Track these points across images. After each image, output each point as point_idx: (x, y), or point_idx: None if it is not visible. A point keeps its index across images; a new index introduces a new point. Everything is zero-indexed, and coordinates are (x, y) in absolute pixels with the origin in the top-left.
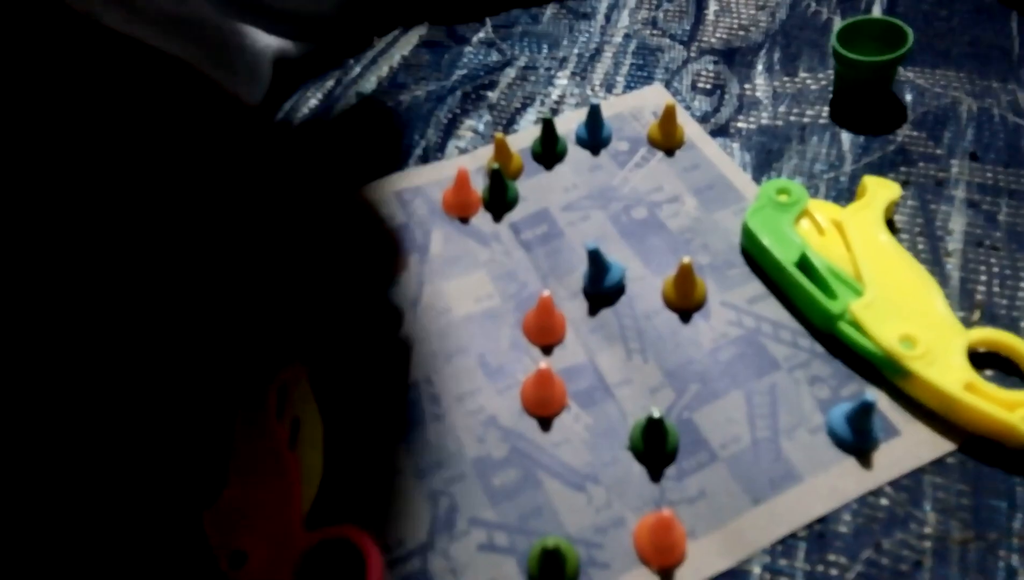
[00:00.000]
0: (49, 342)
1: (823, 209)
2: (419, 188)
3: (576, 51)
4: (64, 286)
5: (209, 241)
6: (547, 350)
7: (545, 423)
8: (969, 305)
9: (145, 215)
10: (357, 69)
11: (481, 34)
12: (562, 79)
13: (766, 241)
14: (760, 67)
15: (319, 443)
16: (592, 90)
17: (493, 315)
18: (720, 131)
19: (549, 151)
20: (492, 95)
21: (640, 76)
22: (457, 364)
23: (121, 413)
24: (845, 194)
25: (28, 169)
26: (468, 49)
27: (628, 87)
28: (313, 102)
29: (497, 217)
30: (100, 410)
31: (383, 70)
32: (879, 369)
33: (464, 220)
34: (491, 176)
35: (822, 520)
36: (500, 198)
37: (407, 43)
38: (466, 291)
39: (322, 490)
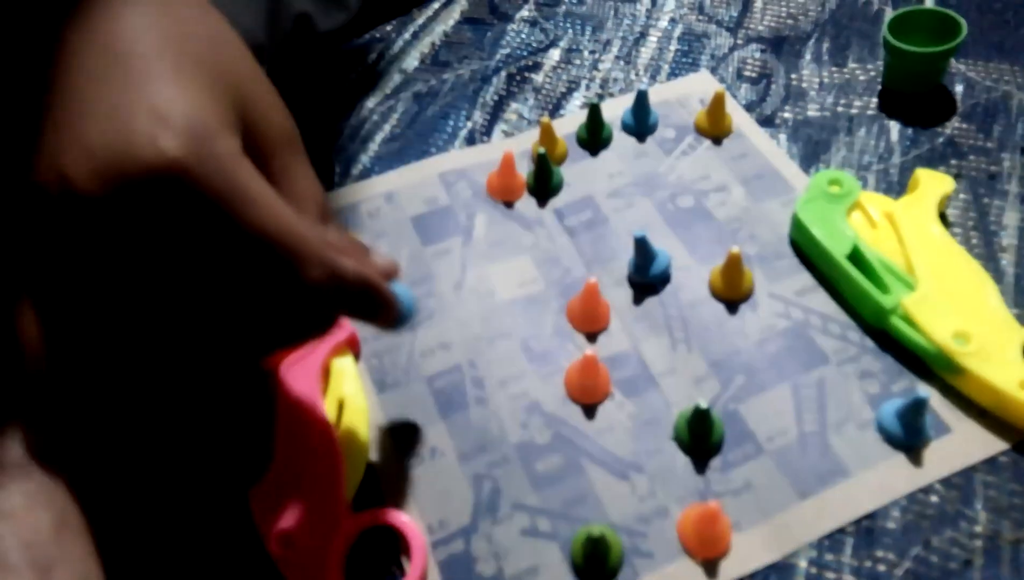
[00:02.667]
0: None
1: (875, 201)
2: (463, 170)
3: (620, 34)
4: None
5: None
6: (591, 337)
7: (589, 410)
8: None
9: None
10: (399, 44)
11: (524, 12)
12: (606, 63)
13: (817, 233)
14: (808, 56)
15: (365, 425)
16: (636, 75)
17: (537, 300)
18: (766, 121)
19: (595, 137)
20: (537, 78)
21: (685, 62)
22: (500, 348)
23: (168, 392)
24: (895, 187)
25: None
26: (511, 27)
27: (673, 73)
28: (354, 77)
29: (542, 202)
30: (147, 389)
31: (425, 47)
32: (931, 365)
33: (508, 204)
34: (537, 161)
35: (870, 516)
36: (545, 183)
37: (448, 17)
38: (510, 275)
39: (367, 472)
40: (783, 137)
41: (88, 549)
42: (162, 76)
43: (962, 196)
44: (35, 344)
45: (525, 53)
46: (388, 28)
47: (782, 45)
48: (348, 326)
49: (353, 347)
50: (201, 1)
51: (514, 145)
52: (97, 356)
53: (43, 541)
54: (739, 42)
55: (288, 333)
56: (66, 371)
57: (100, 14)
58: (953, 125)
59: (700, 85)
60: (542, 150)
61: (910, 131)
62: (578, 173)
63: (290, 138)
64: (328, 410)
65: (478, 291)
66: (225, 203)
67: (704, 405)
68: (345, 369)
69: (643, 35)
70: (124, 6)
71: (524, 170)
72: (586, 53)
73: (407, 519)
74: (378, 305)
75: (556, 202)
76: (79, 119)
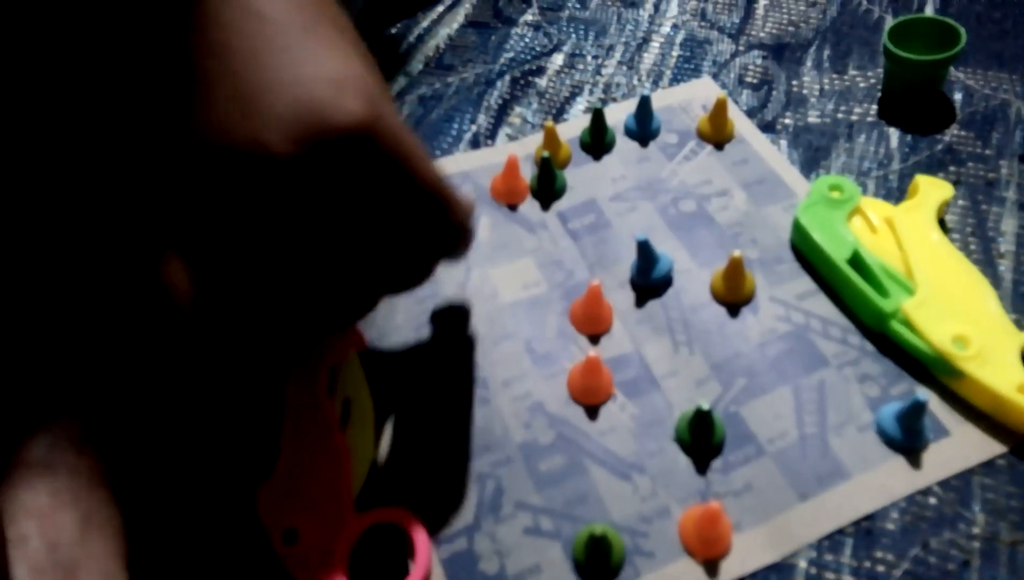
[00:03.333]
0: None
1: (875, 207)
2: (468, 173)
3: (623, 40)
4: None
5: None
6: (594, 339)
7: (591, 411)
8: (1022, 307)
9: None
10: (403, 47)
11: (528, 16)
12: (609, 68)
13: (818, 237)
14: (809, 63)
15: (370, 424)
16: (639, 80)
17: (540, 302)
18: (767, 127)
19: (598, 141)
20: (541, 82)
21: (687, 68)
22: (504, 349)
23: (175, 390)
24: (894, 193)
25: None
26: (515, 31)
27: (675, 79)
28: None
29: (545, 206)
30: (154, 388)
31: (429, 50)
32: (930, 369)
33: (512, 207)
34: (540, 165)
35: (870, 517)
36: (549, 187)
37: (453, 21)
38: (513, 277)
39: (371, 470)
40: (784, 143)
41: (112, 549)
42: (325, 45)
43: (961, 202)
44: (184, 293)
45: (529, 57)
46: (392, 31)
47: (783, 52)
48: (355, 326)
49: (358, 346)
50: None
51: (518, 149)
52: (248, 305)
53: (68, 541)
54: (741, 48)
55: (424, 264)
56: (213, 318)
57: None
58: (952, 132)
59: (702, 91)
60: (546, 154)
61: (909, 138)
62: (581, 177)
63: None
64: (333, 409)
65: (482, 293)
66: (400, 158)
67: (706, 407)
68: (350, 368)
69: (646, 41)
70: None
71: (528, 173)
72: (589, 58)
73: (411, 517)
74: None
75: (559, 205)
76: (263, 90)
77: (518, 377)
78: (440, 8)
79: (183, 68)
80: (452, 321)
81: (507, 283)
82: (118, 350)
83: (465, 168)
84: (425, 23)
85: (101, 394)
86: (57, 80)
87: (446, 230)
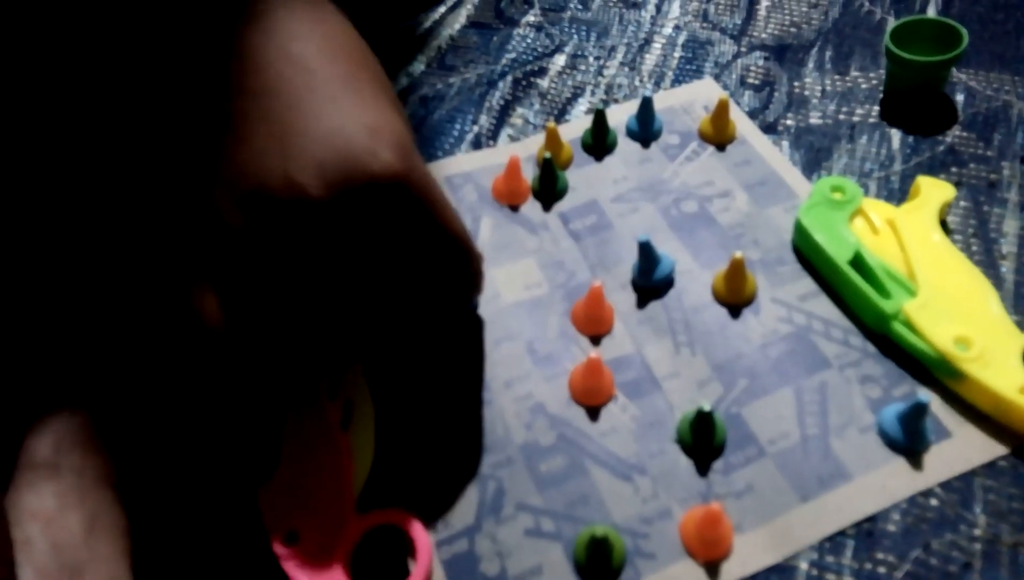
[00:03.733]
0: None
1: (877, 208)
2: (469, 174)
3: (625, 41)
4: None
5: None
6: (595, 340)
7: (592, 412)
8: None
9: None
10: (405, 48)
11: (530, 17)
12: (611, 69)
13: (820, 238)
14: (811, 64)
15: (371, 425)
16: (641, 81)
17: (541, 303)
18: (769, 128)
19: (600, 142)
20: (543, 83)
21: (689, 69)
22: (505, 350)
23: (176, 391)
24: (896, 194)
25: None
26: (517, 32)
27: (677, 80)
28: None
29: (547, 206)
30: (156, 390)
31: (431, 51)
32: (931, 370)
33: (514, 208)
34: (542, 166)
35: (871, 519)
36: (550, 188)
37: (455, 22)
38: (515, 278)
39: (372, 471)
40: (786, 144)
41: (118, 550)
42: (363, 97)
43: (962, 204)
44: (215, 320)
45: (531, 58)
46: (394, 32)
47: (785, 53)
48: None
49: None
50: (330, 6)
51: (520, 149)
52: (273, 336)
53: (73, 543)
54: (743, 50)
55: (434, 316)
56: (243, 347)
57: (268, 32)
58: (954, 134)
59: (704, 92)
60: (547, 155)
61: (911, 139)
62: (583, 178)
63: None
64: (335, 411)
65: (484, 294)
66: (429, 206)
67: (707, 408)
68: (352, 372)
69: (647, 42)
70: (287, 23)
71: (530, 174)
72: (591, 59)
73: (412, 519)
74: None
75: (561, 206)
76: (301, 134)
77: (519, 378)
78: (442, 9)
79: (223, 107)
80: (454, 322)
81: (509, 284)
82: (129, 355)
83: (467, 169)
84: (427, 23)
85: (108, 394)
86: (103, 109)
87: (465, 277)
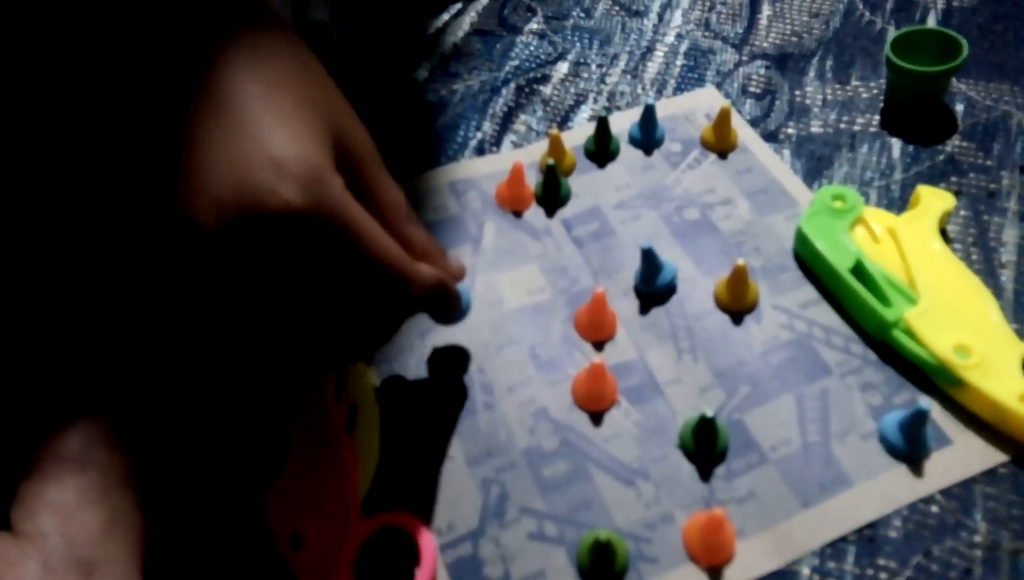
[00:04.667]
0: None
1: (878, 217)
2: (473, 180)
3: (628, 49)
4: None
5: None
6: (597, 346)
7: (595, 418)
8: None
9: None
10: (409, 54)
11: (533, 24)
12: (614, 76)
13: (821, 246)
14: (812, 74)
15: (376, 429)
16: (643, 89)
17: (544, 309)
18: (770, 136)
19: (602, 149)
20: (546, 90)
21: (691, 77)
22: (508, 355)
23: (185, 395)
24: (896, 203)
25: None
26: (520, 39)
27: (679, 88)
28: (364, 87)
29: (550, 213)
30: (163, 391)
31: (435, 58)
32: (932, 378)
33: (517, 213)
34: (546, 172)
35: (872, 525)
36: (553, 194)
37: (459, 29)
38: (518, 284)
39: (377, 475)
40: (787, 152)
41: (132, 552)
42: (271, 123)
43: (962, 213)
44: None
45: (534, 65)
46: (398, 39)
47: (786, 62)
48: None
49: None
50: (284, 27)
51: (523, 156)
52: (227, 349)
53: (89, 541)
54: (744, 58)
55: (383, 333)
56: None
57: (208, 64)
58: (954, 143)
59: (706, 100)
60: (551, 162)
61: (911, 148)
62: (586, 184)
63: (372, 151)
64: (339, 413)
65: (487, 299)
66: (340, 238)
67: (709, 414)
68: (357, 374)
69: (650, 50)
70: (227, 55)
71: (532, 181)
72: (594, 67)
73: (417, 523)
74: (448, 304)
75: (564, 212)
76: (201, 167)
77: (522, 383)
78: (446, 16)
79: (178, 124)
80: (457, 327)
81: (512, 289)
82: (150, 354)
83: (470, 175)
84: (431, 30)
85: (132, 397)
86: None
87: (403, 298)
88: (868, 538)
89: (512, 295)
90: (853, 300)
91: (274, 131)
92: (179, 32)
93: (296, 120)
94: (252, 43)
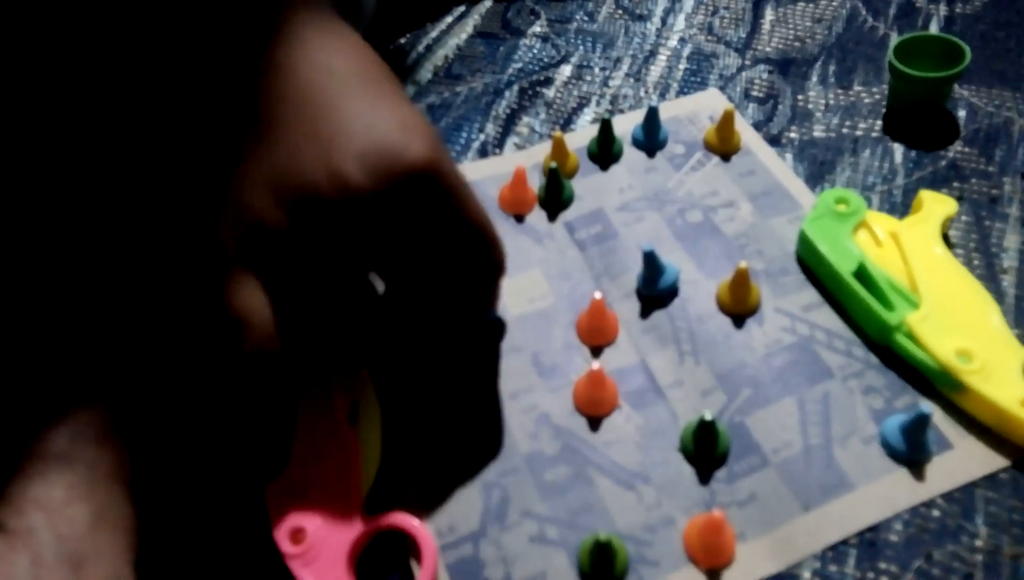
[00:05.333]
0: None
1: (880, 221)
2: (476, 183)
3: (631, 52)
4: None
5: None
6: (599, 350)
7: (596, 422)
8: None
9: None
10: (412, 56)
11: (536, 27)
12: (617, 80)
13: (824, 249)
14: (815, 78)
15: (377, 428)
16: (646, 92)
17: (547, 315)
18: (773, 140)
19: (605, 151)
20: (549, 92)
21: (694, 81)
22: (510, 362)
23: (187, 386)
24: (898, 207)
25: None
26: (523, 42)
27: (682, 91)
28: None
29: (552, 216)
30: (166, 385)
31: (438, 60)
32: (933, 382)
33: (519, 218)
34: (548, 175)
35: (873, 529)
36: (556, 197)
37: (462, 31)
38: (521, 290)
39: (379, 475)
40: (789, 156)
41: (122, 546)
42: (388, 96)
43: (964, 218)
44: (265, 322)
45: (537, 68)
46: (402, 41)
47: (789, 67)
48: None
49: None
50: (339, 21)
51: (526, 158)
52: (304, 331)
53: (78, 535)
54: (747, 63)
55: (459, 305)
56: (294, 345)
57: (297, 43)
58: (956, 149)
59: (710, 102)
60: (554, 164)
61: (914, 153)
62: (588, 187)
63: None
64: (344, 409)
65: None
66: (455, 196)
67: (710, 416)
68: (358, 374)
69: (653, 53)
70: (314, 36)
71: (535, 183)
72: (597, 69)
73: (418, 523)
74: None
75: (567, 215)
76: (340, 133)
77: (524, 390)
78: (449, 19)
79: (256, 114)
80: (460, 331)
81: (515, 297)
82: (156, 354)
83: (473, 177)
84: (434, 33)
85: (127, 391)
86: (146, 119)
87: (488, 265)
88: (869, 542)
89: (515, 302)
90: (855, 304)
91: (393, 100)
92: (254, 23)
93: (399, 93)
94: (333, 32)
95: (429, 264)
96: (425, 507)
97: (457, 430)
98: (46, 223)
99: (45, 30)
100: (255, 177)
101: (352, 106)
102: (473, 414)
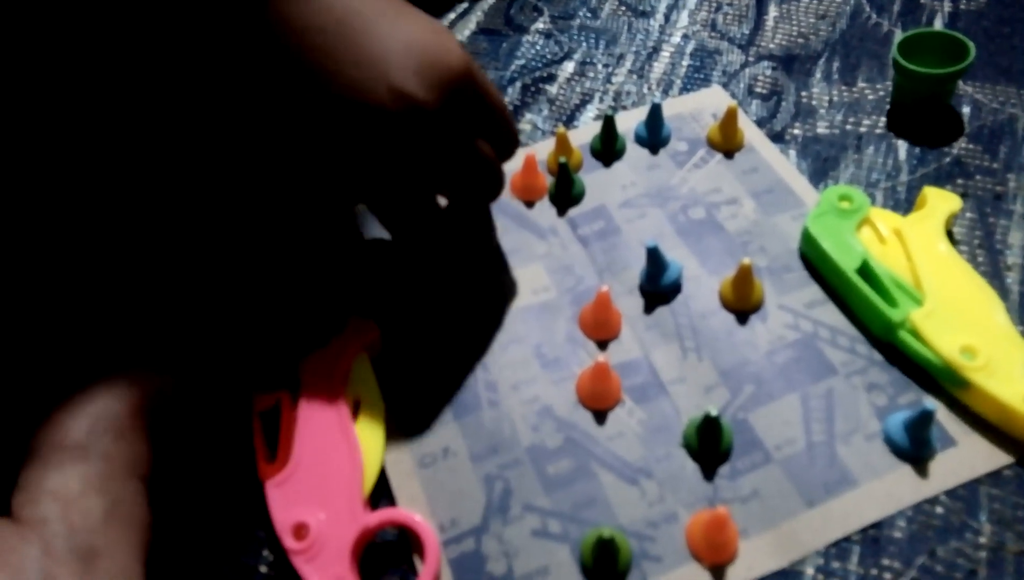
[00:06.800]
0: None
1: (884, 218)
2: None
3: (634, 49)
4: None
5: (273, 215)
6: (602, 345)
7: (599, 416)
8: None
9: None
10: None
11: (539, 24)
12: (620, 76)
13: (827, 246)
14: (818, 75)
15: (381, 424)
16: (649, 89)
17: (550, 308)
18: (776, 137)
19: (608, 148)
20: (551, 89)
21: (697, 78)
22: (513, 353)
23: (190, 378)
24: (902, 204)
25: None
26: (526, 39)
27: (685, 88)
28: None
29: (561, 211)
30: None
31: None
32: (937, 379)
33: (529, 204)
34: (559, 170)
35: (877, 525)
36: (566, 192)
37: (465, 28)
38: (524, 283)
39: (381, 470)
40: (792, 153)
41: (134, 541)
42: (413, 15)
43: (968, 215)
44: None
45: (540, 65)
46: None
47: (793, 63)
48: (373, 327)
49: (372, 348)
50: None
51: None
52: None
53: (90, 528)
54: (750, 59)
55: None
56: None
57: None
58: (960, 145)
59: (713, 99)
60: (563, 160)
61: (918, 150)
62: (591, 183)
63: None
64: (348, 404)
65: (492, 298)
66: (486, 89)
67: (714, 413)
68: (362, 369)
69: (656, 50)
70: None
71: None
72: (600, 66)
73: (420, 518)
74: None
75: (570, 211)
76: (387, 52)
77: (527, 381)
78: (452, 15)
79: (302, 47)
80: (461, 325)
81: (518, 289)
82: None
83: None
84: None
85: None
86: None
87: (510, 140)
88: (872, 538)
89: (518, 295)
90: (859, 300)
91: (420, 19)
92: None
93: (418, 11)
94: None
95: (468, 156)
96: (427, 501)
97: (458, 419)
98: (58, 219)
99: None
100: (320, 109)
101: (386, 27)
102: (475, 402)
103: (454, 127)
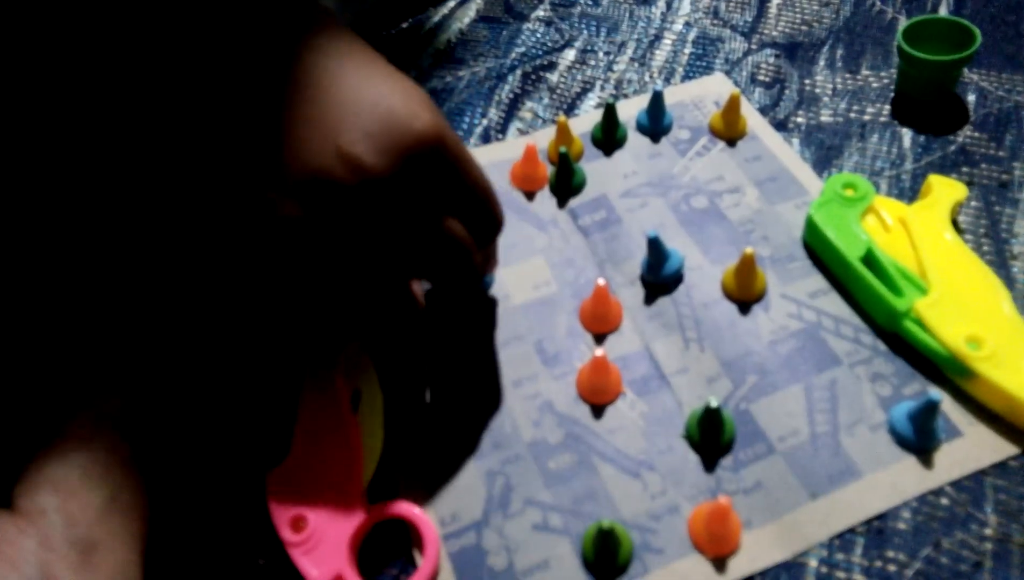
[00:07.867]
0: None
1: (888, 206)
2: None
3: (635, 36)
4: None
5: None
6: (603, 338)
7: (600, 410)
8: None
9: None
10: (415, 41)
11: (539, 11)
12: (621, 64)
13: (831, 235)
14: (822, 63)
15: (380, 417)
16: (651, 77)
17: (550, 302)
18: (779, 125)
19: (610, 137)
20: (552, 77)
21: (699, 65)
22: (514, 350)
23: (190, 375)
24: (906, 193)
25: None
26: (526, 26)
27: (687, 76)
28: None
29: (562, 202)
30: (169, 371)
31: (441, 44)
32: (942, 369)
33: (530, 195)
34: (559, 160)
35: (881, 517)
36: (567, 182)
37: (465, 16)
38: (525, 277)
39: (381, 464)
40: (796, 141)
41: (133, 532)
42: (385, 73)
43: (974, 204)
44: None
45: (540, 53)
46: (404, 25)
47: (796, 51)
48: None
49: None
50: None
51: (529, 143)
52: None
53: (89, 520)
54: (753, 47)
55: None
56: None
57: (293, 33)
58: (965, 133)
59: (715, 87)
60: (563, 149)
61: (922, 138)
62: (592, 173)
63: None
64: (347, 397)
65: (494, 294)
66: (461, 163)
67: (715, 404)
68: (360, 362)
69: (658, 38)
70: (310, 27)
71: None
72: (601, 54)
73: (420, 512)
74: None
75: (571, 202)
76: (343, 114)
77: (528, 378)
78: (452, 2)
79: (256, 105)
80: (463, 319)
81: (518, 284)
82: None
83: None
84: (437, 17)
85: (143, 380)
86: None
87: (491, 223)
88: (877, 530)
89: (519, 291)
90: (863, 290)
91: (395, 79)
92: (261, 27)
93: (399, 74)
94: (329, 25)
95: (433, 237)
96: (427, 495)
97: (459, 416)
98: (63, 221)
99: (49, 29)
100: (267, 172)
101: (354, 84)
102: (475, 400)
103: (412, 201)
